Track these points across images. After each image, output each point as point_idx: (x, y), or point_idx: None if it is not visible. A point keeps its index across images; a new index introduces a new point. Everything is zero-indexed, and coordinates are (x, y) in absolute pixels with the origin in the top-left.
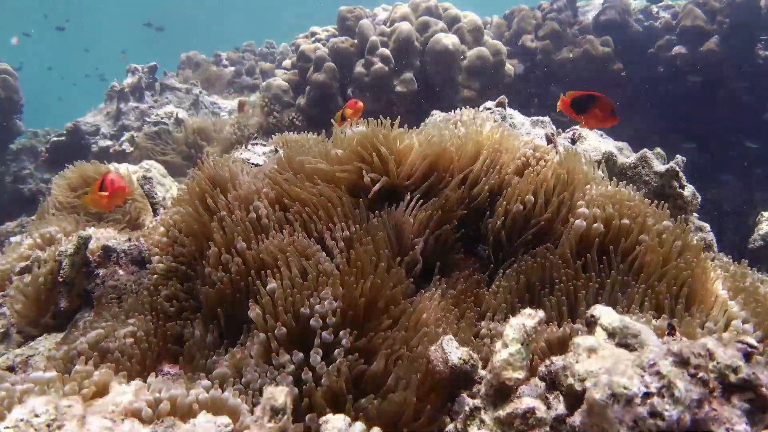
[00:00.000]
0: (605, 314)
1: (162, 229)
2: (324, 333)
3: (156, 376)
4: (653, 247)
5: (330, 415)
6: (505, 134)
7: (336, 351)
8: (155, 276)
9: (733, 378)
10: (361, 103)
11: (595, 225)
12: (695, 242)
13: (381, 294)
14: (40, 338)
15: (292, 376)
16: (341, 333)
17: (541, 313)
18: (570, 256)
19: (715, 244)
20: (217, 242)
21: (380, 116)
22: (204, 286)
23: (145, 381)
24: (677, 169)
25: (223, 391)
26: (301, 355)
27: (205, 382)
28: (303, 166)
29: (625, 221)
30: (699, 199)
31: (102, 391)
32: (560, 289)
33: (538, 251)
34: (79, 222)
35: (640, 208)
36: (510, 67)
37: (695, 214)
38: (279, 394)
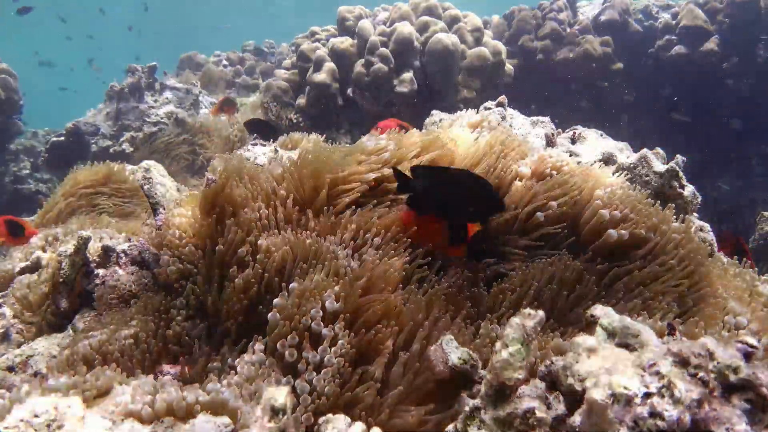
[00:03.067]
0: (605, 314)
1: (172, 229)
2: (324, 330)
3: (156, 377)
4: (662, 249)
5: (330, 415)
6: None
7: (333, 350)
8: (165, 275)
9: (733, 378)
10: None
11: (615, 231)
12: (701, 244)
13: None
14: (39, 338)
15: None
16: (340, 333)
17: (541, 313)
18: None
19: (715, 244)
20: (232, 240)
21: (380, 117)
22: (209, 285)
23: (146, 381)
24: (677, 169)
25: (224, 392)
26: (309, 355)
27: (211, 385)
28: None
29: (642, 231)
30: (699, 199)
31: (104, 392)
32: (571, 291)
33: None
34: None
35: (649, 210)
36: (510, 67)
37: (695, 214)
38: (279, 394)
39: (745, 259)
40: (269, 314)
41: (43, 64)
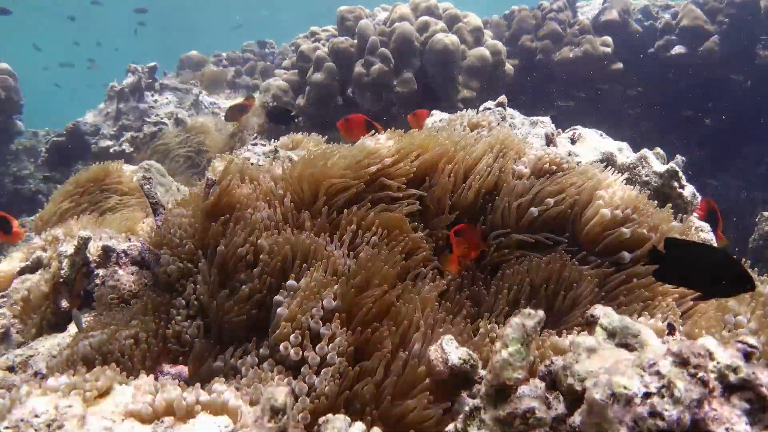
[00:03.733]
0: (605, 314)
1: (173, 229)
2: (322, 329)
3: (157, 377)
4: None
5: (330, 415)
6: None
7: (331, 347)
8: (165, 275)
9: (732, 378)
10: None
11: (627, 229)
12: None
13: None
14: (40, 338)
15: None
16: (338, 331)
17: (541, 313)
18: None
19: (715, 245)
20: (235, 241)
21: (380, 116)
22: (209, 284)
23: (147, 381)
24: (677, 169)
25: (224, 393)
26: (309, 354)
27: (216, 386)
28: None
29: (644, 231)
30: (699, 199)
31: (104, 392)
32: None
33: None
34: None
35: (650, 210)
36: (510, 67)
37: (695, 214)
38: (279, 394)
39: (744, 258)
40: (278, 309)
41: (63, 65)
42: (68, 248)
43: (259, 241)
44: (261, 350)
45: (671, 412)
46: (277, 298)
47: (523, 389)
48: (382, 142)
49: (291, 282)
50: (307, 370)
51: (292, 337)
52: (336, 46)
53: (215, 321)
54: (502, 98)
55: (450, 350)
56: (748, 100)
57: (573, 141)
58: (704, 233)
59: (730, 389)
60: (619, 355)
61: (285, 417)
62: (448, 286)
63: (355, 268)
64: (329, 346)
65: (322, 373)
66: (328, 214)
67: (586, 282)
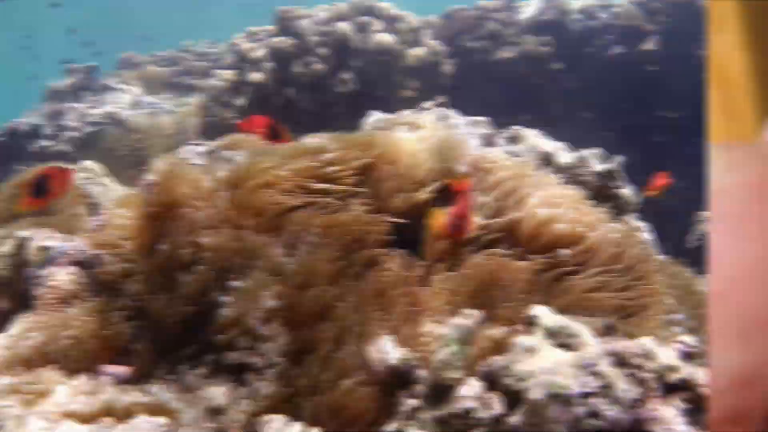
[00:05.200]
0: (545, 314)
1: (113, 229)
2: (263, 330)
3: (97, 378)
4: (599, 248)
5: (269, 416)
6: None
7: (271, 347)
8: (105, 275)
9: (671, 377)
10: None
11: (558, 226)
12: (641, 245)
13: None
14: None
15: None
16: (277, 332)
17: (480, 313)
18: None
19: (653, 245)
20: (175, 240)
21: (320, 117)
22: (151, 284)
23: (86, 382)
24: (615, 168)
25: (163, 394)
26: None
27: (155, 387)
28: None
29: (581, 229)
30: (638, 200)
31: (44, 393)
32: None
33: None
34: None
35: (587, 209)
36: (449, 67)
37: (634, 215)
38: (218, 394)
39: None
40: (221, 310)
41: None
42: (6, 248)
43: (200, 240)
44: (202, 351)
45: (610, 412)
46: (220, 298)
47: (462, 389)
48: (324, 145)
49: (233, 282)
50: (249, 373)
51: (239, 340)
52: (275, 46)
53: (155, 321)
54: (441, 98)
55: (389, 350)
56: (687, 100)
57: (512, 141)
58: (642, 233)
59: (669, 389)
60: (559, 355)
61: (223, 417)
62: (389, 284)
63: (295, 267)
64: (270, 347)
65: (263, 374)
66: (271, 217)
67: (523, 281)
